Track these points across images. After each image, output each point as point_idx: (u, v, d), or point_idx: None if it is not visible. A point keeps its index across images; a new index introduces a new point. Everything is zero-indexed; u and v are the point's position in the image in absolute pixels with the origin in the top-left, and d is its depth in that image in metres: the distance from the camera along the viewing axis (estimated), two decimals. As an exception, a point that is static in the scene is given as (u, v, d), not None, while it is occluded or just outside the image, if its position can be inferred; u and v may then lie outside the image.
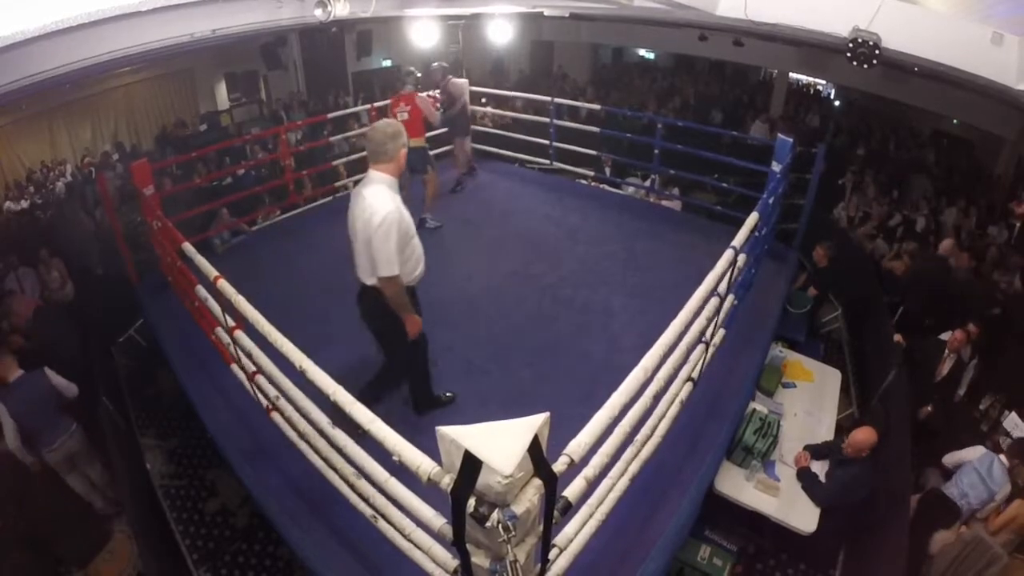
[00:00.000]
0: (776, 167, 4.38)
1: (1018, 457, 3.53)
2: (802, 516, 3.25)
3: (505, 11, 6.50)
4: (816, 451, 3.55)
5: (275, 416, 2.79)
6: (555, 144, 6.38)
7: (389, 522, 2.06)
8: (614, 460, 1.97)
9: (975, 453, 3.61)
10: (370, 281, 2.68)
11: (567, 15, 7.37)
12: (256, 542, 3.81)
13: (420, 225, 4.90)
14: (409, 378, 3.18)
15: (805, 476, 3.39)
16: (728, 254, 2.80)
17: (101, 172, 7.49)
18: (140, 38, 4.58)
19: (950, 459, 3.73)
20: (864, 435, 3.30)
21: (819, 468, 3.49)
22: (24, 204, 7.57)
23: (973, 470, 3.53)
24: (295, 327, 2.32)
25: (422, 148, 5.10)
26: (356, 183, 6.31)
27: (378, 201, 2.53)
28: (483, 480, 1.35)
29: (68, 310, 5.25)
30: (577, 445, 1.63)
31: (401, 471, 1.65)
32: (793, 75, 11.30)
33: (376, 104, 6.09)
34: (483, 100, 7.22)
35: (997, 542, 3.14)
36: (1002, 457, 3.52)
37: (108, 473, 3.95)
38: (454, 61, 10.32)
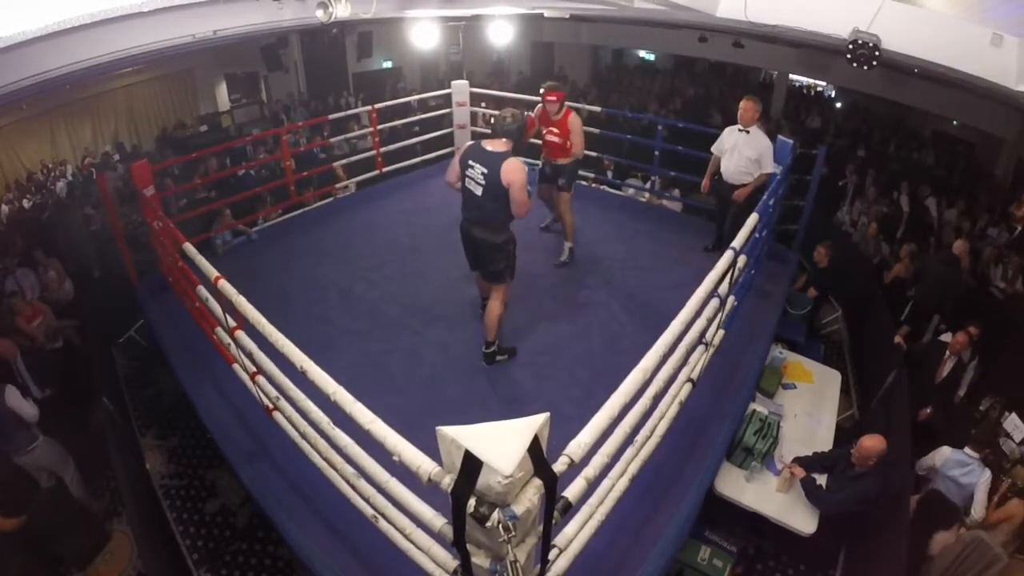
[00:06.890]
0: (777, 168, 4.38)
1: (985, 446, 3.56)
2: (802, 517, 3.25)
3: (505, 12, 6.52)
4: (808, 463, 3.40)
5: (276, 416, 2.80)
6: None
7: (389, 522, 2.06)
8: (614, 460, 1.97)
9: (940, 458, 3.61)
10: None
11: (567, 16, 7.39)
12: (256, 542, 3.82)
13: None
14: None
15: (808, 484, 3.29)
16: (728, 255, 2.79)
17: (102, 172, 7.50)
18: (141, 39, 4.58)
19: (920, 465, 3.73)
20: (872, 442, 3.19)
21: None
22: (24, 204, 7.57)
23: (944, 477, 3.56)
24: (296, 328, 2.32)
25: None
26: (357, 184, 6.33)
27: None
28: (483, 480, 1.35)
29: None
30: (578, 445, 1.62)
31: (401, 471, 1.65)
32: (793, 76, 11.31)
33: (377, 105, 6.09)
34: (483, 103, 7.22)
35: (997, 542, 3.14)
36: (967, 450, 3.53)
37: (86, 487, 3.88)
38: (454, 63, 10.36)
